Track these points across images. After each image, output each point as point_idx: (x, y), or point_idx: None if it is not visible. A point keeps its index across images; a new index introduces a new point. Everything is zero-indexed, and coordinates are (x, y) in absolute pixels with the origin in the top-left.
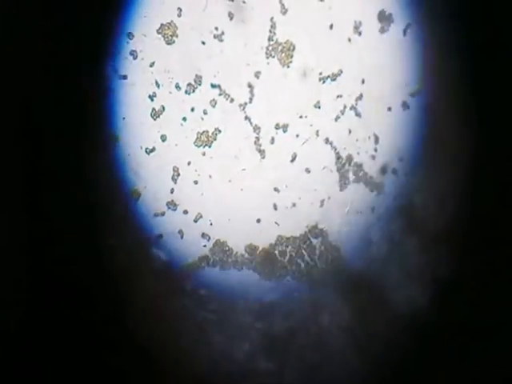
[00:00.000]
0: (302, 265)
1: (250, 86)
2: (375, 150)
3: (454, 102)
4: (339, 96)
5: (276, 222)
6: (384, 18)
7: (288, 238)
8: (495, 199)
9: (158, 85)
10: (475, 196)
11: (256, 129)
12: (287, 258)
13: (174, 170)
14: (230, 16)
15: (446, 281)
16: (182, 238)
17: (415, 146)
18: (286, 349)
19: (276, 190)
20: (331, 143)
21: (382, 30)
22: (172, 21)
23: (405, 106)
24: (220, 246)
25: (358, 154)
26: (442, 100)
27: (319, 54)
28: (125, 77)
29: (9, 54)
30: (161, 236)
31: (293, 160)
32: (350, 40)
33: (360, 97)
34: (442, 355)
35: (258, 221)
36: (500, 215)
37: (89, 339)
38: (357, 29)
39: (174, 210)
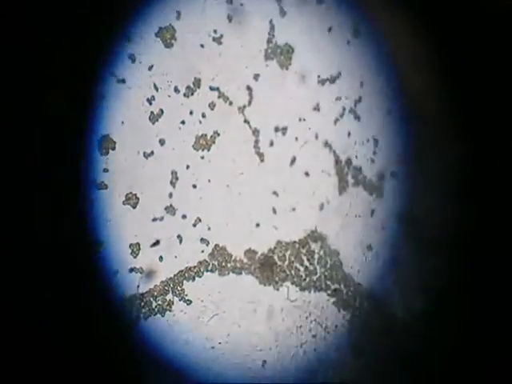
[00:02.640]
0: (301, 269)
1: (248, 88)
2: (374, 153)
3: (450, 107)
4: (338, 99)
5: (275, 227)
6: (382, 21)
7: (287, 243)
8: (493, 205)
9: (156, 88)
10: (473, 201)
11: (255, 132)
12: (286, 262)
13: (172, 174)
14: (229, 18)
15: (445, 287)
16: (180, 242)
17: (414, 150)
18: (283, 354)
19: (275, 193)
20: (330, 146)
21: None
22: (170, 24)
23: (403, 109)
24: (219, 250)
25: (356, 157)
26: (437, 105)
27: (318, 57)
28: (123, 80)
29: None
30: (158, 241)
31: (292, 163)
32: (348, 43)
33: (359, 100)
34: (440, 361)
35: (257, 225)
36: (497, 221)
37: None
38: (355, 31)
39: (173, 214)
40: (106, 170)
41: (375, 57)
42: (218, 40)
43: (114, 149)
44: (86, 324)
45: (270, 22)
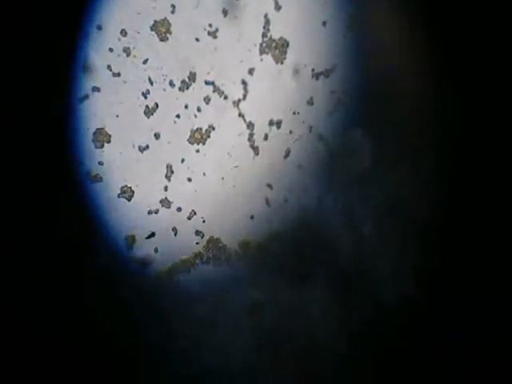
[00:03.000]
0: (295, 260)
1: (243, 82)
2: (368, 146)
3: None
4: (332, 92)
5: (269, 219)
6: (377, 15)
7: (281, 234)
8: (484, 192)
9: (151, 82)
10: (465, 188)
11: (249, 125)
12: (280, 254)
13: (167, 167)
14: (224, 12)
15: (438, 273)
16: (175, 235)
17: (408, 142)
18: (278, 344)
19: (269, 186)
20: (324, 140)
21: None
22: (165, 18)
23: (395, 101)
24: (213, 242)
25: (350, 150)
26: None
27: (313, 51)
28: (118, 74)
29: None
30: (153, 234)
31: (286, 156)
32: (343, 36)
33: (353, 93)
34: (431, 347)
35: (251, 217)
36: (488, 208)
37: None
38: (350, 25)
39: (168, 207)
40: (101, 163)
41: (370, 50)
42: (213, 34)
43: (109, 142)
44: (83, 318)
45: (265, 15)
